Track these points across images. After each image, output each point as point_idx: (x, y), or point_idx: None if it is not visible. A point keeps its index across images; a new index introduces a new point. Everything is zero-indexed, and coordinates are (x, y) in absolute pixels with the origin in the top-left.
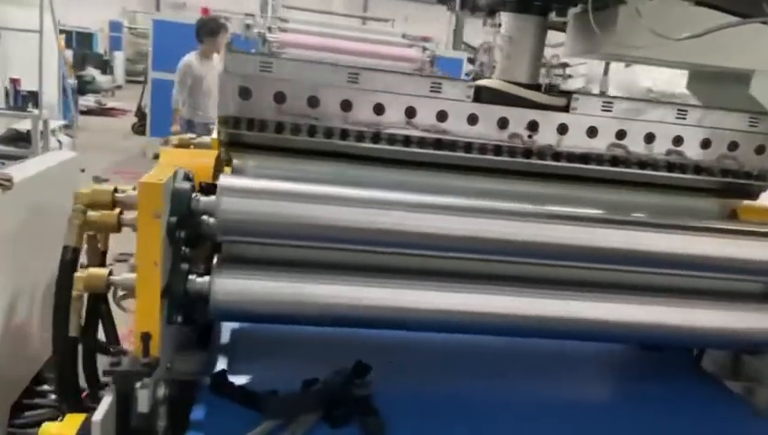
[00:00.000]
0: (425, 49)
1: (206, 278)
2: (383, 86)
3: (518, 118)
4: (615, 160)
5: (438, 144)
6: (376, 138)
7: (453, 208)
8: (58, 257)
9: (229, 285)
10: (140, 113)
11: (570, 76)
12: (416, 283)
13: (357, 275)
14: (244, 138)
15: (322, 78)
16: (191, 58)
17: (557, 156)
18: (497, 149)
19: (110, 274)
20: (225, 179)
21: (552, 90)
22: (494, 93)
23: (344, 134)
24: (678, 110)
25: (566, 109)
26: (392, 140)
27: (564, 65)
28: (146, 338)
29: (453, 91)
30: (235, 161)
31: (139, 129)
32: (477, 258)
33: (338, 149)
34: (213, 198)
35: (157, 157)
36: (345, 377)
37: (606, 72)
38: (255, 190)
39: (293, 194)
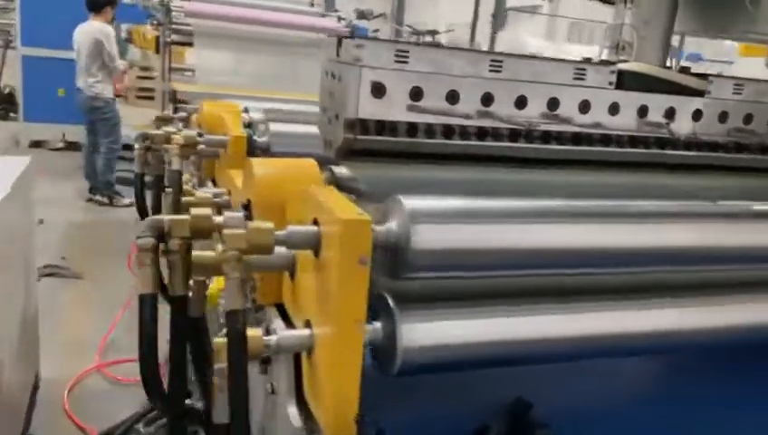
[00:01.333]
0: (340, 19)
1: (377, 325)
2: (529, 75)
3: (660, 104)
4: (740, 147)
5: (577, 138)
6: (515, 135)
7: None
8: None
9: (420, 332)
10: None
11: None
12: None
13: (576, 300)
14: (373, 144)
15: (464, 68)
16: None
17: (690, 145)
18: (637, 141)
19: (267, 332)
20: (411, 201)
21: (683, 72)
22: (638, 78)
23: (482, 133)
24: None
25: (702, 93)
26: (530, 136)
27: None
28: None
29: (596, 78)
30: (344, 172)
31: None
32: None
33: (477, 152)
34: (391, 225)
35: (38, 144)
36: (519, 421)
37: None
38: (455, 213)
39: (502, 213)
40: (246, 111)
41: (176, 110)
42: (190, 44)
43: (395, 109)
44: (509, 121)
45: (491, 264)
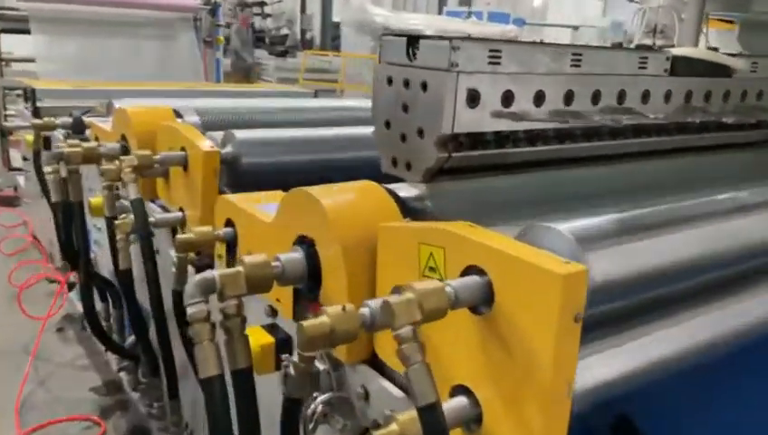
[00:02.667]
0: None
1: None
2: (604, 67)
3: (709, 89)
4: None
5: (637, 129)
6: (591, 134)
7: None
8: None
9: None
10: None
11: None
12: None
13: None
14: (463, 161)
15: (549, 65)
16: None
17: (723, 126)
18: (686, 127)
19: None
20: (573, 226)
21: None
22: (692, 63)
23: (562, 135)
24: None
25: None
26: (599, 133)
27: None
28: None
29: (654, 65)
30: (411, 193)
31: None
32: None
33: (554, 156)
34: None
35: None
36: None
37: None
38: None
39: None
40: (180, 115)
41: (35, 112)
42: (25, 32)
43: (489, 117)
44: (592, 120)
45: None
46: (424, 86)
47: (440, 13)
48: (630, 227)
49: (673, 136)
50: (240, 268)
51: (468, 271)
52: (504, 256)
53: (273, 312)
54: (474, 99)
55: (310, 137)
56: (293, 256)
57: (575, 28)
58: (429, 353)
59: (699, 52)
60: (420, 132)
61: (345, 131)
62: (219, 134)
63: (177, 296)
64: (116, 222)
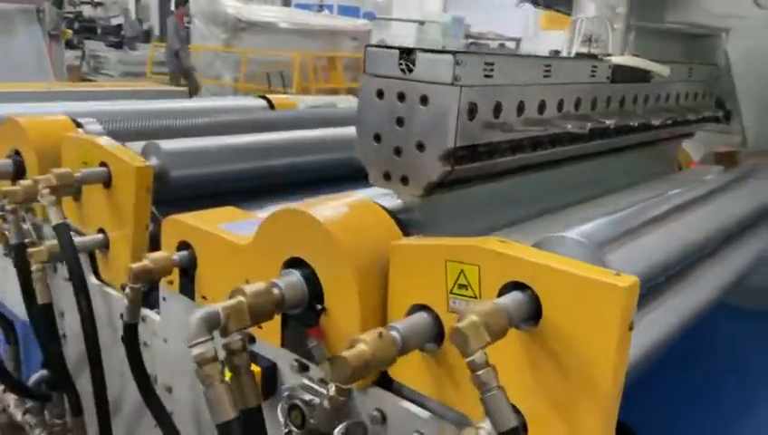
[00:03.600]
0: None
1: None
2: (568, 76)
3: (635, 93)
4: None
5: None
6: (555, 140)
7: None
8: None
9: None
10: None
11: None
12: None
13: None
14: (460, 173)
15: (527, 76)
16: None
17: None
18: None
19: None
20: (583, 232)
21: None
22: (625, 71)
23: (535, 144)
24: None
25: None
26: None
27: None
28: None
29: (600, 74)
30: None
31: None
32: None
33: (531, 162)
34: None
35: None
36: None
37: None
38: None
39: None
40: (79, 125)
41: None
42: None
43: (482, 129)
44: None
45: None
46: (424, 100)
47: (288, 5)
48: (624, 227)
49: (612, 138)
50: (241, 298)
51: (508, 288)
52: (555, 271)
53: (251, 339)
54: (472, 112)
55: (240, 144)
56: (292, 281)
57: (421, 23)
58: (457, 374)
59: (632, 60)
60: (420, 146)
61: (276, 137)
62: (136, 145)
63: (132, 331)
64: (30, 250)
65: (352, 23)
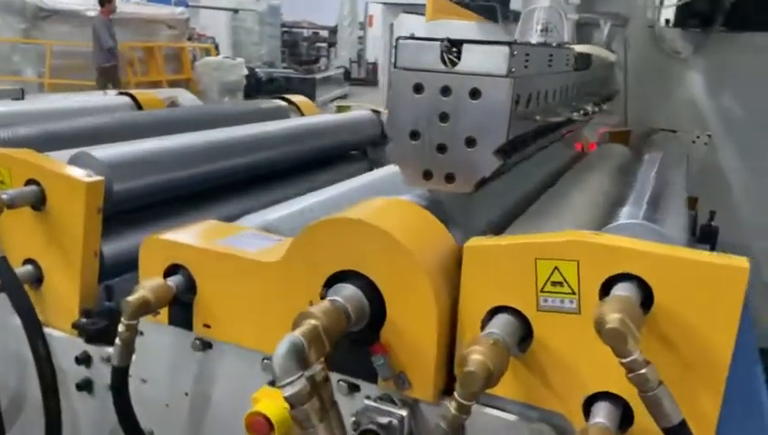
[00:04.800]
0: None
1: None
2: (559, 65)
3: (583, 80)
4: None
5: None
6: (548, 129)
7: None
8: None
9: None
10: None
11: None
12: None
13: None
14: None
15: (543, 66)
16: None
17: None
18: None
19: None
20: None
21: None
22: (580, 59)
23: (541, 132)
24: None
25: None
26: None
27: None
28: None
29: (571, 62)
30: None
31: None
32: None
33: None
34: None
35: None
36: None
37: None
38: None
39: None
40: None
41: None
42: None
43: (521, 120)
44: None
45: None
46: (474, 93)
47: None
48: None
49: (570, 124)
50: (314, 322)
51: (614, 280)
52: (670, 259)
53: None
54: (518, 103)
55: (176, 148)
56: (350, 295)
57: (235, 11)
58: (549, 372)
59: (591, 48)
60: (471, 142)
61: (222, 135)
62: (58, 155)
63: (122, 375)
64: None
65: (169, 11)
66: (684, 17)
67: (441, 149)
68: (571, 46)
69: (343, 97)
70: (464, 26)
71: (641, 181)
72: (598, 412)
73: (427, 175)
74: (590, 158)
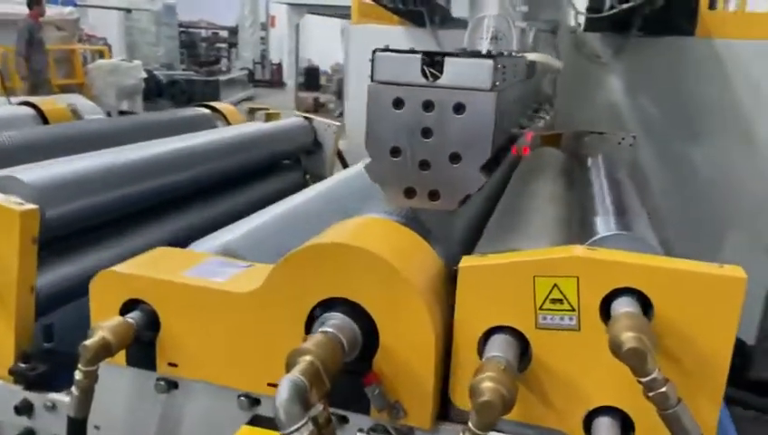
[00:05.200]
0: None
1: None
2: (518, 74)
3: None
4: None
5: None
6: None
7: None
8: None
9: None
10: None
11: None
12: None
13: None
14: None
15: (510, 77)
16: None
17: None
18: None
19: None
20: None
21: None
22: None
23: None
24: None
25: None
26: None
27: None
28: None
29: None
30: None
31: None
32: None
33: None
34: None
35: None
36: None
37: None
38: None
39: None
40: None
41: None
42: None
43: (499, 134)
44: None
45: None
46: (458, 108)
47: None
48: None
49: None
50: (310, 358)
51: (615, 294)
52: (671, 271)
53: (253, 402)
54: (501, 117)
55: (110, 166)
56: (344, 325)
57: (128, 11)
58: (548, 390)
59: (540, 56)
60: (455, 157)
61: (144, 152)
62: None
63: (80, 427)
64: None
65: (57, 11)
66: (594, 22)
67: (424, 165)
68: (524, 55)
69: (249, 99)
70: (391, 31)
71: (598, 186)
72: (599, 427)
73: (410, 193)
74: (528, 162)
